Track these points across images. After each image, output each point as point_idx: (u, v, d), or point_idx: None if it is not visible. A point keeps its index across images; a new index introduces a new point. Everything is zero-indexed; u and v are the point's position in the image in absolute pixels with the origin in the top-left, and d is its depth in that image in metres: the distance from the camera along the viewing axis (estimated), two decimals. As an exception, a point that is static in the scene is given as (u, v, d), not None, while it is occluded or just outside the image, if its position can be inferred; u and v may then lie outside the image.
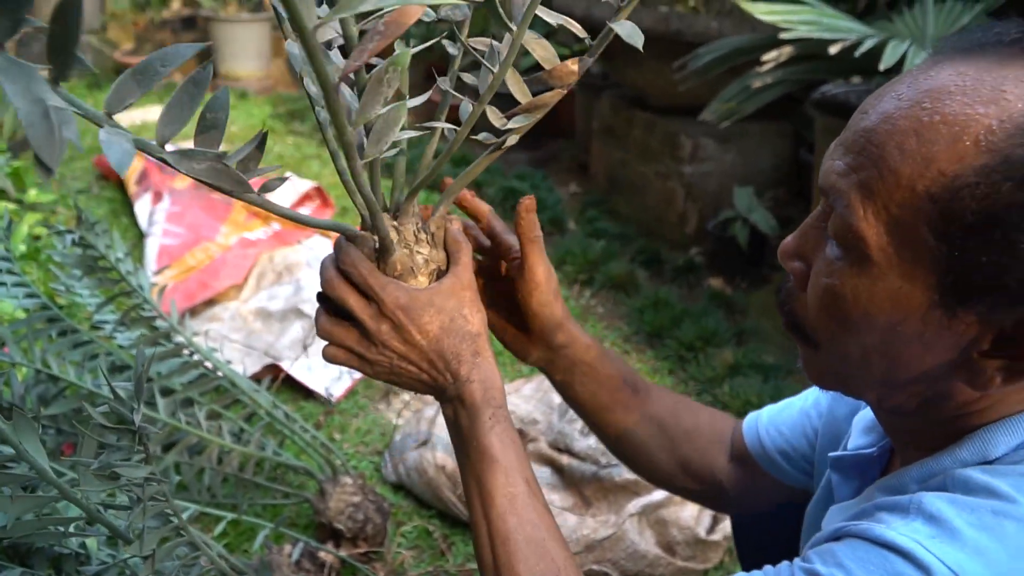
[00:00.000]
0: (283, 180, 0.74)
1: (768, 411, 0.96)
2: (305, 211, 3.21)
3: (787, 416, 0.94)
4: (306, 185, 3.29)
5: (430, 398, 2.06)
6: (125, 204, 3.18)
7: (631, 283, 2.67)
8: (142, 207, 3.00)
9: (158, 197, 2.99)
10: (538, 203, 3.24)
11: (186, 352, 1.56)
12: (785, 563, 0.61)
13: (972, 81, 0.55)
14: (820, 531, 0.65)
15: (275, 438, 1.68)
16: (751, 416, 0.97)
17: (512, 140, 0.72)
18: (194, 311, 2.41)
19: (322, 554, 1.46)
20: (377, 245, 0.73)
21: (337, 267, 0.73)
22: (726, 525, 1.57)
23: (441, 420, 1.76)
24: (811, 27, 1.66)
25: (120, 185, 3.31)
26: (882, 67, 1.50)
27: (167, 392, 1.54)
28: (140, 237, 2.89)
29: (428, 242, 0.76)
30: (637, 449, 0.95)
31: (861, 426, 0.80)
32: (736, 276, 2.74)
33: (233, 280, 2.55)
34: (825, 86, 2.09)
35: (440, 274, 0.76)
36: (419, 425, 1.79)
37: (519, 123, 0.71)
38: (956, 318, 0.57)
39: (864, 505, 0.64)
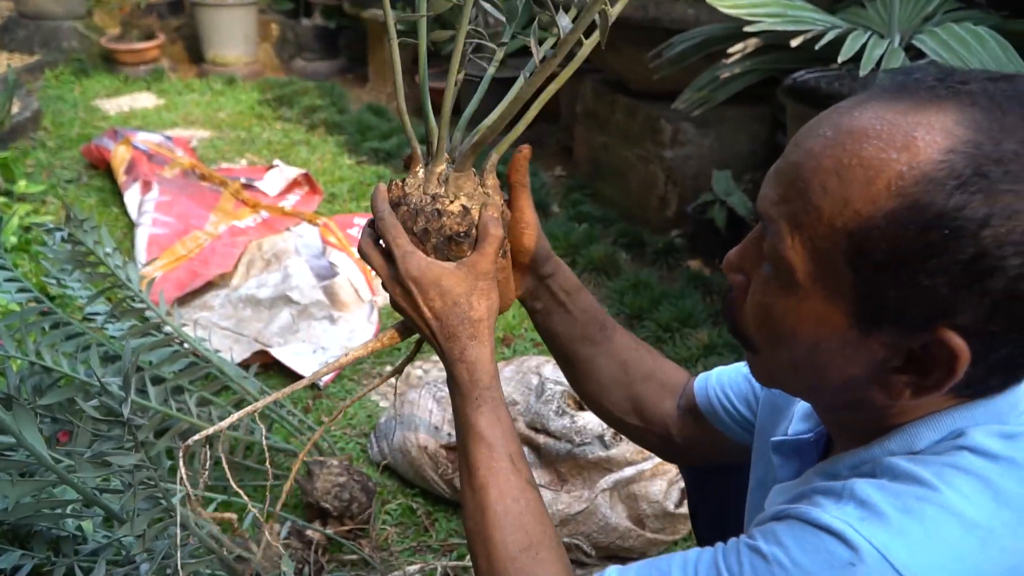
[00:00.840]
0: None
1: (718, 372, 1.02)
2: (293, 198, 3.27)
3: (733, 379, 1.00)
4: (294, 172, 3.34)
5: (414, 382, 2.13)
6: (114, 194, 3.22)
7: (612, 265, 2.73)
8: (131, 197, 3.05)
9: (147, 187, 3.04)
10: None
11: (176, 341, 1.63)
12: (733, 540, 0.68)
13: (888, 126, 0.59)
14: (763, 511, 0.71)
15: (264, 422, 1.74)
16: (703, 374, 1.03)
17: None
18: (185, 299, 2.47)
19: (309, 532, 1.53)
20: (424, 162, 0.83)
21: (372, 225, 0.83)
22: (695, 500, 1.65)
23: (423, 403, 1.83)
24: (776, 19, 1.71)
25: (109, 175, 3.35)
26: (840, 59, 1.56)
27: (158, 380, 1.61)
28: (130, 226, 2.94)
29: (475, 190, 0.84)
30: (597, 383, 1.01)
31: (800, 413, 0.86)
32: (715, 258, 2.80)
33: (223, 268, 2.61)
34: (797, 73, 2.14)
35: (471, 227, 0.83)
36: (402, 407, 1.86)
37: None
38: (871, 338, 0.62)
39: (803, 488, 0.70)
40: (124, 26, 5.46)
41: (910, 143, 0.58)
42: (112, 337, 1.60)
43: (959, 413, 0.65)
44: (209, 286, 2.55)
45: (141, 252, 2.63)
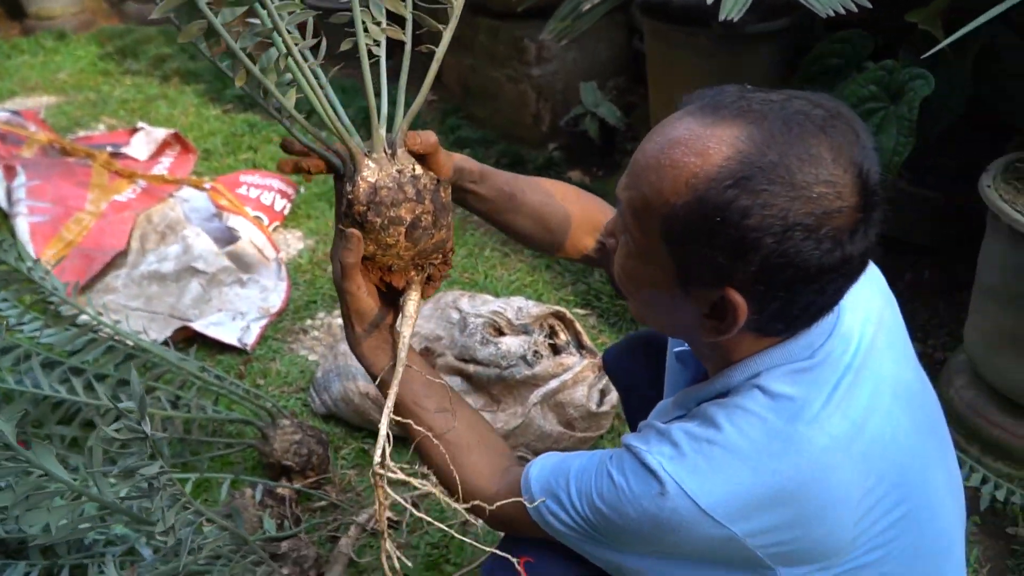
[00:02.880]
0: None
1: None
2: (166, 160, 3.22)
3: None
4: (162, 133, 3.28)
5: (337, 332, 2.25)
6: (-24, 183, 3.08)
7: (499, 188, 2.87)
8: (-3, 185, 2.94)
9: (11, 172, 2.93)
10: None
11: (109, 337, 1.69)
12: (606, 459, 0.89)
13: (693, 136, 0.77)
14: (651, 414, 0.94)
15: (207, 397, 1.84)
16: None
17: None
18: (86, 285, 2.46)
19: (279, 490, 1.66)
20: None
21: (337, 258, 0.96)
22: (612, 397, 1.87)
23: (355, 352, 1.96)
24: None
25: (-35, 163, 3.19)
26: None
27: (100, 378, 1.67)
28: (3, 217, 2.85)
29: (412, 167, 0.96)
30: (526, 238, 1.17)
31: None
32: (593, 166, 2.99)
33: (117, 247, 2.60)
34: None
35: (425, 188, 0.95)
36: (336, 360, 1.99)
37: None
38: (689, 295, 0.82)
39: (660, 418, 0.92)
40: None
41: (704, 151, 0.76)
42: (48, 345, 1.64)
43: (760, 358, 0.85)
44: (107, 267, 2.55)
45: (27, 244, 2.58)
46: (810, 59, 2.18)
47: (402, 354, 0.98)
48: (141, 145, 3.24)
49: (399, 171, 0.94)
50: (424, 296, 1.00)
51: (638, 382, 1.37)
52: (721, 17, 1.80)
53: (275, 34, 0.91)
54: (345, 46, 0.99)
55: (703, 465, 0.81)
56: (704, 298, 0.81)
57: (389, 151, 0.95)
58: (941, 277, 2.36)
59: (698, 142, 0.76)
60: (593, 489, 0.87)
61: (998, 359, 1.75)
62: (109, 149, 3.18)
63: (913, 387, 0.92)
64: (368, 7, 0.98)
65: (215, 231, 2.65)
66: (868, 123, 1.93)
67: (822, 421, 0.81)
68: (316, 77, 0.95)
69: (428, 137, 1.06)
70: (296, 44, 0.93)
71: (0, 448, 0.87)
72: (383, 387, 1.00)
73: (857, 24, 1.98)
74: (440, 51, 0.99)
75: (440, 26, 0.99)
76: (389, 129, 0.98)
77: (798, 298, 0.78)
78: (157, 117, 3.71)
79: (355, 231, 0.92)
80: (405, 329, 0.98)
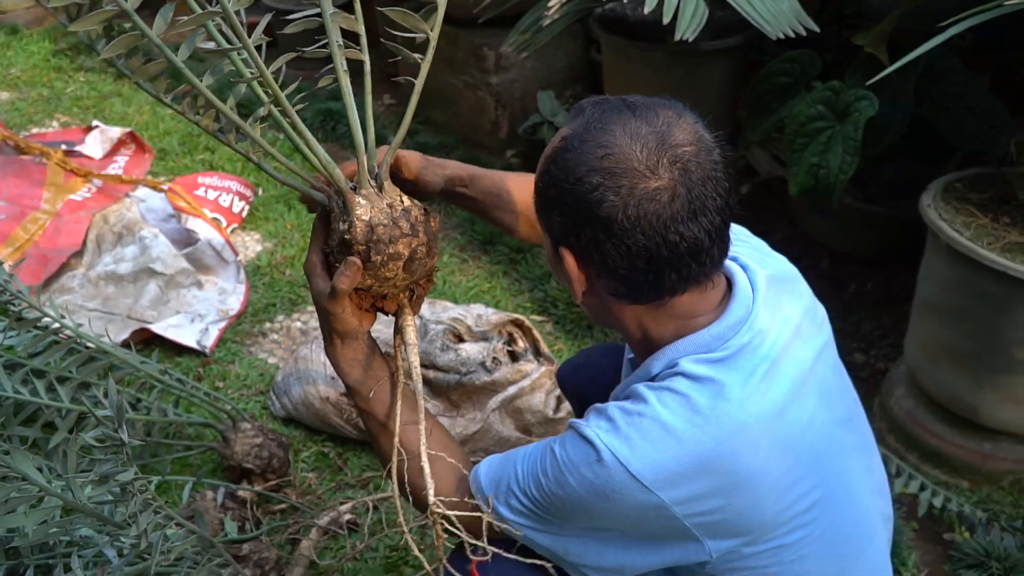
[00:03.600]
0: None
1: None
2: (121, 159, 3.19)
3: None
4: (117, 132, 3.25)
5: (299, 336, 2.27)
6: (-75, 179, 3.02)
7: (458, 194, 2.91)
8: (-53, 182, 2.88)
9: (-37, 169, 2.88)
10: (365, 121, 3.36)
11: (71, 339, 1.69)
12: (551, 441, 0.97)
13: (555, 135, 0.94)
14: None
15: (168, 400, 1.84)
16: None
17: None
18: (42, 286, 2.44)
19: (240, 493, 1.68)
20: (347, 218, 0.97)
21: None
22: (566, 405, 1.92)
23: (315, 357, 1.98)
24: (589, -32, 1.90)
25: (-87, 159, 3.12)
26: (647, 9, 1.79)
27: (62, 380, 1.67)
28: (-46, 213, 2.80)
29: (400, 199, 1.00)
30: (510, 231, 1.25)
31: None
32: (550, 174, 3.04)
33: (72, 246, 2.58)
34: (607, 5, 2.35)
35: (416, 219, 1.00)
36: (297, 364, 2.01)
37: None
38: (560, 262, 0.94)
39: (610, 401, 0.99)
40: None
41: (552, 141, 0.94)
42: (9, 347, 1.64)
43: (674, 348, 0.94)
44: (62, 267, 2.52)
45: (-23, 242, 2.54)
46: (760, 77, 2.26)
47: (418, 385, 1.02)
48: (96, 143, 3.20)
49: (390, 205, 0.97)
50: (414, 313, 1.04)
51: (591, 396, 1.42)
52: (677, 37, 1.87)
53: (255, 82, 0.94)
54: (324, 83, 1.03)
55: (634, 435, 0.89)
56: (566, 270, 0.94)
57: (375, 185, 0.98)
58: (884, 289, 2.47)
59: (554, 136, 0.94)
60: (538, 466, 0.95)
61: (936, 371, 1.85)
62: (64, 147, 3.14)
63: (830, 383, 1.01)
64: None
65: (172, 232, 2.64)
66: (815, 142, 2.02)
67: (742, 401, 0.89)
68: (288, 116, 0.98)
69: (412, 162, 1.11)
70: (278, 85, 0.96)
71: (-24, 454, 0.88)
72: (353, 396, 1.03)
73: (806, 44, 2.06)
74: (419, 82, 1.01)
75: (417, 56, 1.02)
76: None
77: (610, 254, 0.89)
78: (112, 115, 3.67)
79: (356, 260, 0.95)
80: (413, 358, 1.02)
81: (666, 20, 1.89)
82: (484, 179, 1.18)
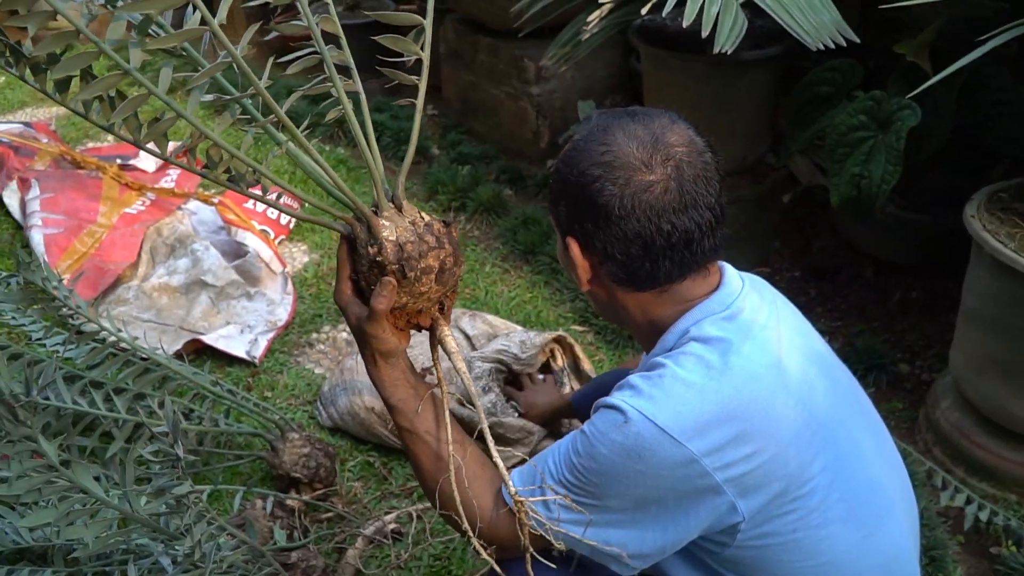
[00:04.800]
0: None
1: None
2: (174, 172, 3.27)
3: None
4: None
5: (345, 348, 2.32)
6: (-11, 195, 3.15)
7: (500, 204, 2.95)
8: (10, 197, 3.00)
9: (25, 184, 2.99)
10: (398, 132, 3.38)
11: (127, 351, 1.75)
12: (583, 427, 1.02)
13: (581, 134, 1.02)
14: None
15: (218, 410, 1.90)
16: None
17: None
18: (97, 297, 2.53)
19: (288, 502, 1.73)
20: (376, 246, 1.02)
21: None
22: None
23: (361, 368, 2.03)
24: (628, -17, 1.92)
25: (-23, 175, 3.25)
26: (685, 23, 1.80)
27: (118, 391, 1.74)
28: (16, 227, 2.91)
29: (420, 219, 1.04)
30: None
31: None
32: (590, 184, 3.06)
33: (127, 259, 2.66)
34: (646, 16, 2.36)
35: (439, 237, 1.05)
36: (343, 375, 2.05)
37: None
38: (568, 254, 1.03)
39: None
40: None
41: (569, 141, 1.03)
42: (69, 359, 1.71)
43: (684, 319, 1.02)
44: (118, 279, 2.61)
45: (41, 256, 2.64)
46: (801, 87, 2.25)
47: (469, 388, 1.05)
48: (149, 157, 3.30)
49: (412, 222, 1.01)
50: (446, 323, 1.07)
51: None
52: (716, 49, 1.88)
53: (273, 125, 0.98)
54: (332, 115, 1.07)
55: (657, 393, 0.95)
56: (572, 258, 1.02)
57: (394, 205, 1.02)
58: (929, 298, 2.44)
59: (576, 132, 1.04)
60: (570, 450, 1.00)
61: (982, 382, 1.83)
62: (118, 161, 3.24)
63: (825, 357, 1.08)
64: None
65: (223, 244, 2.72)
66: (857, 152, 2.01)
67: (749, 355, 0.97)
68: (308, 151, 1.02)
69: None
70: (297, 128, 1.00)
71: (44, 468, 0.94)
72: (397, 415, 1.07)
73: (847, 53, 2.05)
74: (419, 103, 1.06)
75: (414, 78, 1.06)
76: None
77: (610, 241, 0.98)
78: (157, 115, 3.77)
79: (391, 280, 0.99)
80: (459, 363, 1.05)
81: (705, 33, 1.90)
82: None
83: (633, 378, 0.99)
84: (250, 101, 1.03)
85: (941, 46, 1.99)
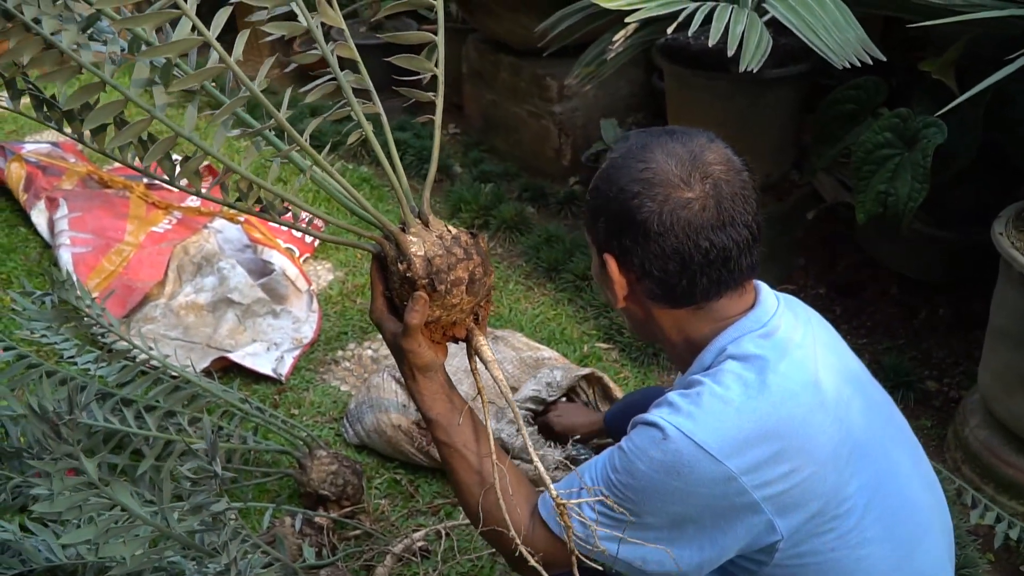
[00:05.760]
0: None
1: None
2: (200, 192, 3.31)
3: None
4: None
5: (371, 365, 2.33)
6: (19, 214, 3.19)
7: (523, 222, 2.96)
8: (38, 216, 3.04)
9: (53, 203, 3.04)
10: (421, 151, 3.40)
11: (157, 369, 1.77)
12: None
13: (619, 151, 1.03)
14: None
15: (247, 427, 1.92)
16: None
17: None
18: (126, 315, 2.55)
19: (317, 519, 1.74)
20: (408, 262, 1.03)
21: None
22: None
23: (387, 386, 2.04)
24: (653, 3, 1.93)
25: (7, 193, 3.30)
26: (711, 42, 1.81)
27: (150, 409, 1.76)
28: (44, 247, 2.95)
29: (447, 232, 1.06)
30: None
31: None
32: (612, 201, 3.07)
33: (154, 277, 2.69)
34: (669, 35, 2.37)
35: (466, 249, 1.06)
36: (369, 393, 2.06)
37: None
38: (605, 273, 1.03)
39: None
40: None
41: (606, 158, 1.04)
42: (101, 377, 1.73)
43: (720, 338, 1.02)
44: (145, 297, 2.64)
45: (70, 275, 2.67)
46: (826, 104, 2.26)
47: (507, 395, 1.07)
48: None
49: (439, 236, 1.03)
50: (482, 333, 1.08)
51: None
52: (742, 68, 1.89)
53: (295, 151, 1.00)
54: (353, 138, 1.09)
55: (695, 411, 0.96)
56: (609, 275, 1.03)
57: (420, 221, 1.04)
58: (956, 315, 2.42)
59: (606, 158, 1.05)
60: (607, 466, 1.00)
61: (1011, 400, 1.81)
62: (145, 180, 3.28)
63: (860, 375, 1.08)
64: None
65: (248, 262, 2.74)
66: (883, 169, 2.01)
67: (786, 373, 0.98)
68: (332, 175, 1.04)
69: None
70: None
71: (85, 486, 0.95)
72: (435, 429, 1.07)
73: (872, 70, 2.06)
74: (437, 118, 1.09)
75: (430, 95, 1.08)
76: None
77: (648, 257, 0.98)
78: (188, 147, 3.81)
79: (422, 294, 1.00)
80: (496, 372, 1.06)
81: (731, 52, 1.91)
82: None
83: (671, 395, 1.00)
84: (273, 132, 1.04)
85: (966, 64, 1.99)
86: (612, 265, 1.02)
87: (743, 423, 0.94)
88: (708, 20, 1.98)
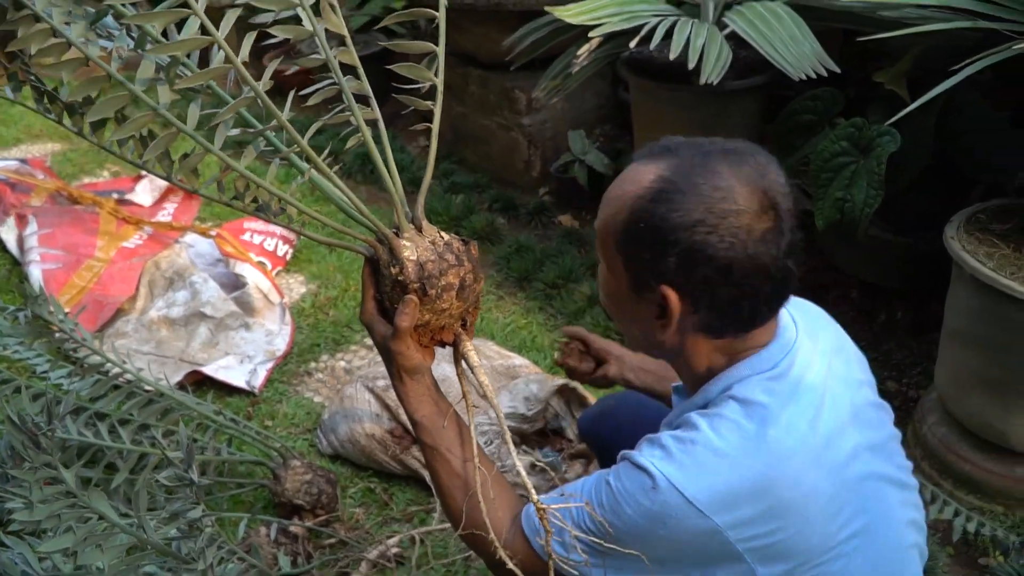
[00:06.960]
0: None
1: None
2: (170, 207, 3.32)
3: None
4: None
5: (344, 376, 2.35)
6: (-14, 230, 3.18)
7: (493, 232, 3.00)
8: (7, 232, 3.03)
9: (22, 220, 3.03)
10: (400, 163, 3.43)
11: (130, 383, 1.79)
12: (607, 469, 1.01)
13: (633, 171, 0.98)
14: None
15: (221, 439, 1.93)
16: None
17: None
18: (98, 330, 2.56)
19: (292, 528, 1.76)
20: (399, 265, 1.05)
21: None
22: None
23: (360, 396, 2.06)
24: (615, 18, 1.99)
25: (-25, 211, 3.28)
26: (672, 56, 1.87)
27: (124, 422, 1.77)
28: (14, 264, 2.94)
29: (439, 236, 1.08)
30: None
31: None
32: (582, 211, 3.12)
33: (126, 292, 2.70)
34: (634, 49, 2.43)
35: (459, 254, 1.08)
36: (343, 403, 2.09)
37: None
38: (642, 299, 0.98)
39: (661, 429, 1.04)
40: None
41: (637, 179, 0.96)
42: (73, 391, 1.74)
43: (731, 372, 0.99)
44: (117, 312, 2.64)
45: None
46: (784, 115, 2.32)
47: (492, 399, 1.08)
48: (145, 192, 3.35)
49: (432, 242, 1.05)
50: (469, 338, 1.11)
51: (617, 444, 1.47)
52: (702, 80, 1.95)
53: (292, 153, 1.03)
54: (352, 142, 1.12)
55: (688, 462, 0.93)
56: (651, 301, 0.97)
57: (414, 226, 1.06)
58: (914, 318, 2.49)
59: (635, 174, 0.97)
60: (592, 498, 0.98)
61: (966, 398, 1.88)
62: (115, 196, 3.28)
63: (865, 408, 1.06)
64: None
65: (221, 276, 2.76)
66: (840, 177, 2.08)
67: (789, 427, 0.94)
68: (330, 178, 1.07)
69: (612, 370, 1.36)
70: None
71: (63, 495, 0.97)
72: (421, 432, 1.10)
73: (829, 82, 2.12)
74: (435, 126, 1.11)
75: (428, 104, 1.10)
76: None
77: (719, 291, 0.93)
78: (187, 147, 3.81)
79: (413, 297, 1.02)
80: (482, 377, 1.08)
81: (691, 65, 1.97)
82: (646, 375, 1.39)
83: (665, 437, 0.97)
84: (274, 133, 1.07)
85: (919, 75, 2.07)
86: (672, 298, 0.95)
87: (734, 479, 0.92)
88: (669, 34, 2.04)
